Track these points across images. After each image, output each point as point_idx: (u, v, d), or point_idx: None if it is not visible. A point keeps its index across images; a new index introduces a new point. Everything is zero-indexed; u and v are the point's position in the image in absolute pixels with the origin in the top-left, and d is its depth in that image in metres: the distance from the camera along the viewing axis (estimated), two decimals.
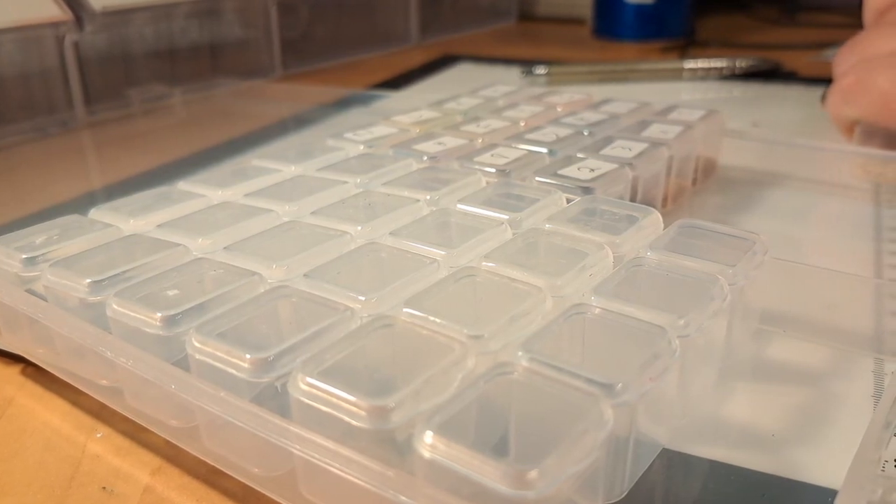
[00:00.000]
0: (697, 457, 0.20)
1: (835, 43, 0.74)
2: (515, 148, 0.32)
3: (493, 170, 0.30)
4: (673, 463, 0.20)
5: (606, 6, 0.86)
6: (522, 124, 0.37)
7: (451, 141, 0.34)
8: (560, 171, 0.29)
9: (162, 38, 0.59)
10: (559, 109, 0.40)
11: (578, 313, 0.19)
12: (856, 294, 0.26)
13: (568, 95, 0.42)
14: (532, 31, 0.99)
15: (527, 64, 0.66)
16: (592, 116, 0.37)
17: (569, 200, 0.27)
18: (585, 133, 0.35)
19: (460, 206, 0.26)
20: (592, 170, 0.29)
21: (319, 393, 0.16)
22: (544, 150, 0.32)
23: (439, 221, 0.25)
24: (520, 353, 0.17)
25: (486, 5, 0.99)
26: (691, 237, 0.23)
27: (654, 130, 0.35)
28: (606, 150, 0.32)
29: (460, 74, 0.71)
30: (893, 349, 0.24)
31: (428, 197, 0.27)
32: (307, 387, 0.17)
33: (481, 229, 0.24)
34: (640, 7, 0.83)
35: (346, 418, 0.16)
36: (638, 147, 0.32)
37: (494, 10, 1.00)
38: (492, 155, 0.31)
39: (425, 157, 0.32)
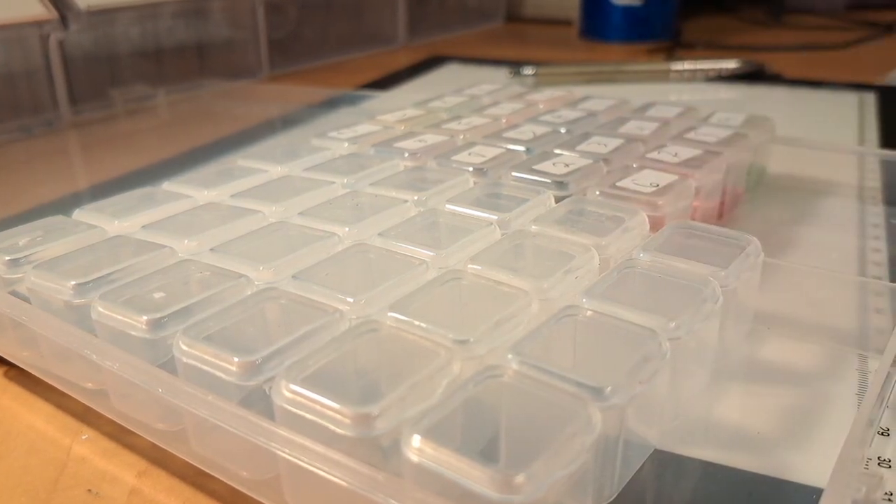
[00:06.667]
0: (688, 457, 0.20)
1: (820, 45, 0.75)
2: (494, 146, 0.32)
3: (470, 168, 0.30)
4: (663, 464, 0.20)
5: (594, 7, 0.87)
6: (503, 122, 0.37)
7: (431, 138, 0.34)
8: (536, 167, 0.30)
9: (148, 37, 0.58)
10: (541, 106, 0.40)
11: (569, 315, 0.19)
12: (841, 292, 0.26)
13: (549, 93, 0.42)
14: (520, 32, 0.99)
15: (514, 65, 0.66)
16: (571, 114, 0.38)
17: (558, 199, 0.27)
18: (563, 130, 0.35)
19: (449, 207, 0.26)
20: (567, 164, 0.30)
21: (303, 400, 0.16)
22: (521, 147, 0.33)
23: (428, 222, 0.25)
24: (510, 356, 0.17)
25: (474, 6, 0.99)
26: (685, 238, 0.23)
27: (631, 127, 0.35)
28: (582, 146, 0.32)
29: (448, 75, 0.71)
30: (877, 346, 0.24)
31: (416, 197, 0.27)
32: (291, 394, 0.17)
33: (470, 230, 0.24)
34: (627, 9, 0.83)
35: (331, 426, 0.16)
36: (613, 143, 0.32)
37: (482, 11, 1.00)
38: (469, 153, 0.31)
39: (406, 154, 0.32)
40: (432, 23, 0.90)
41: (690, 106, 0.39)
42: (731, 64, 0.63)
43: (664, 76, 0.64)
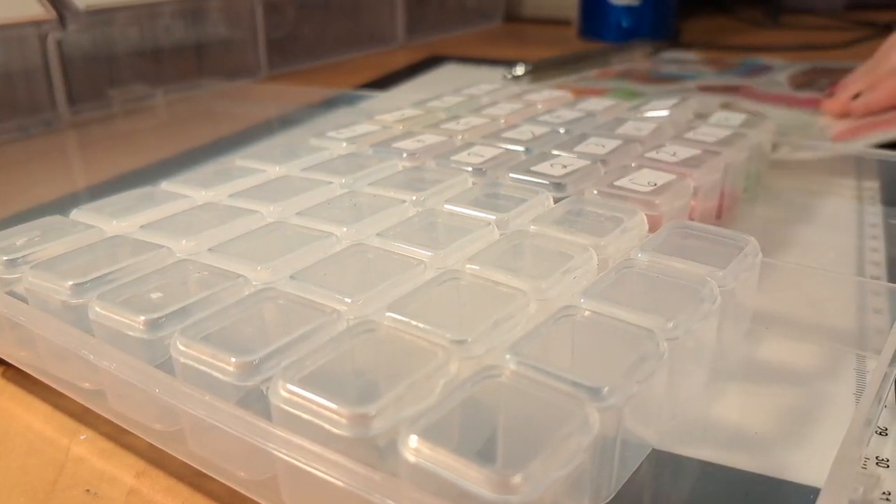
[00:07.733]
0: (686, 457, 0.20)
1: (819, 45, 0.75)
2: (493, 146, 0.32)
3: (469, 168, 0.30)
4: (661, 464, 0.20)
5: (592, 7, 0.87)
6: (502, 122, 0.37)
7: (430, 138, 0.34)
8: (534, 168, 0.30)
9: (146, 37, 0.58)
10: (539, 107, 0.40)
11: (567, 315, 0.19)
12: (839, 292, 0.26)
13: (547, 93, 0.42)
14: (518, 32, 0.99)
15: (513, 65, 0.66)
16: (569, 114, 0.38)
17: (556, 200, 0.27)
18: (561, 131, 0.35)
19: (447, 207, 0.26)
20: (565, 166, 0.30)
21: (300, 400, 0.16)
22: (520, 148, 0.33)
23: (426, 222, 0.25)
24: (508, 356, 0.17)
25: (473, 6, 0.99)
26: (683, 238, 0.23)
27: (629, 127, 0.35)
28: (580, 147, 0.32)
29: (446, 75, 0.71)
30: (876, 346, 0.24)
31: (414, 197, 0.27)
32: (288, 394, 0.17)
33: (469, 230, 0.24)
34: (625, 9, 0.83)
35: (328, 426, 0.16)
36: (611, 144, 0.33)
37: (481, 10, 1.00)
38: (468, 154, 0.31)
39: (405, 154, 0.32)
40: (431, 23, 0.90)
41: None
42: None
43: None
